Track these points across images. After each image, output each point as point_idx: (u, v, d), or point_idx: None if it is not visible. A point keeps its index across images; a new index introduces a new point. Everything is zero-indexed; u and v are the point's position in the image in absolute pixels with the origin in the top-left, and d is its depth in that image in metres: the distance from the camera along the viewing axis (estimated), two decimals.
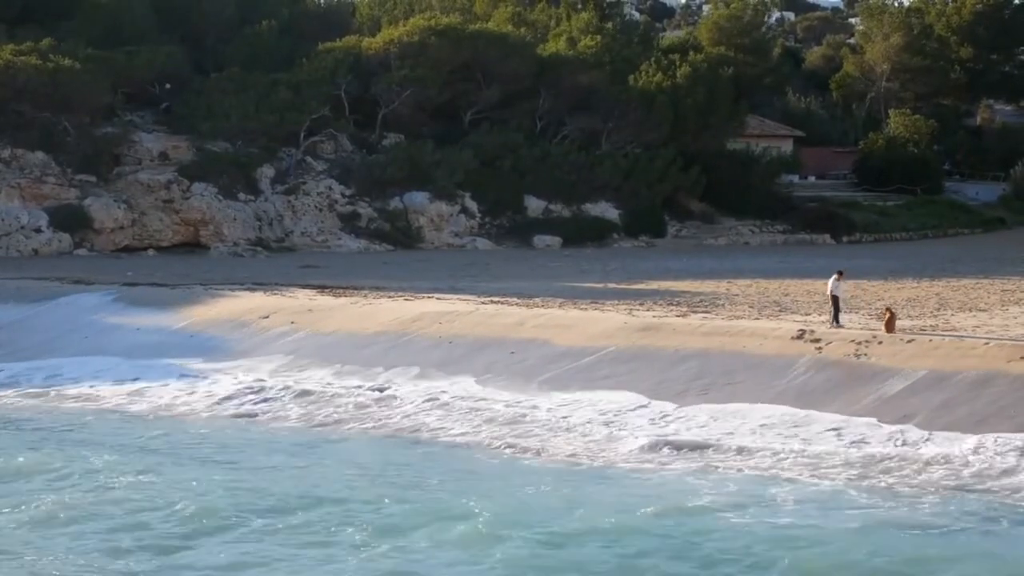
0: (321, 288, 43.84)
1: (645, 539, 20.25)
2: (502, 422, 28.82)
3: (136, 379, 34.54)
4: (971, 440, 25.28)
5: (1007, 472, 23.71)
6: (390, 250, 62.98)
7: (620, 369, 31.57)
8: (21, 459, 25.61)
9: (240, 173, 64.04)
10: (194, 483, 23.52)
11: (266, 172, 64.86)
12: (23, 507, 22.00)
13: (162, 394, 32.93)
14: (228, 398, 32.19)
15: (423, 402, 30.78)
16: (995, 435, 25.33)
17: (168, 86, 67.65)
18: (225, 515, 21.54)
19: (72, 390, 33.71)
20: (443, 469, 25.27)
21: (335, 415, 30.31)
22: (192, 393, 32.83)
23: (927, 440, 25.72)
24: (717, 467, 24.94)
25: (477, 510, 21.43)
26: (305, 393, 32.10)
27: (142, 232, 61.40)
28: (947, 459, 24.60)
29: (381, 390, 32.15)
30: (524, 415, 29.21)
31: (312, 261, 56.25)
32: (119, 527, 20.90)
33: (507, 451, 26.70)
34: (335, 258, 58.60)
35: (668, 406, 29.14)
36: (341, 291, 43.01)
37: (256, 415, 30.74)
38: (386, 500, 22.37)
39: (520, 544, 19.98)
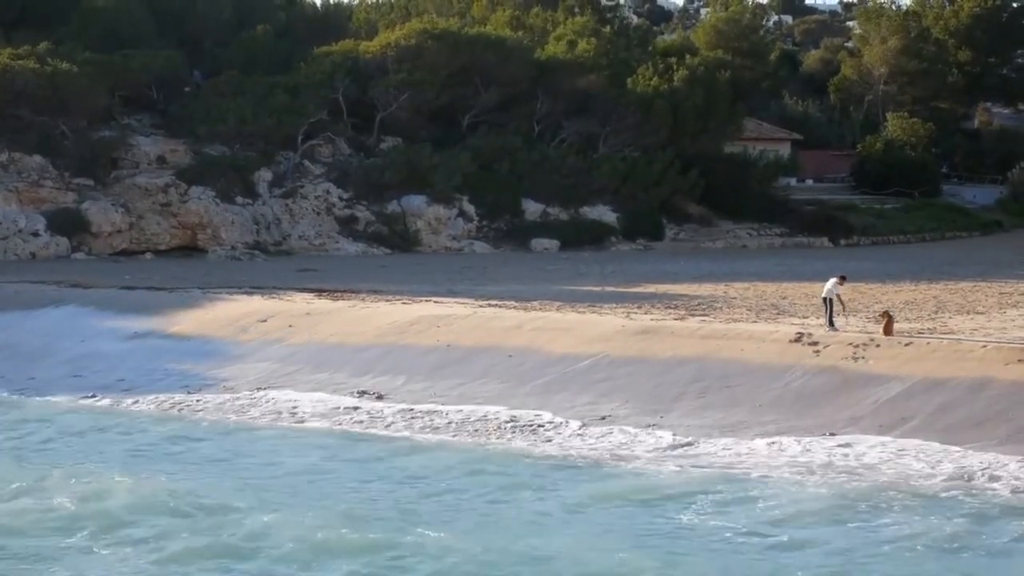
0: (319, 292, 43.77)
1: None
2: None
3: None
4: None
5: None
6: (388, 253, 62.97)
7: (618, 372, 31.54)
8: None
9: (238, 176, 64.04)
10: None
11: (264, 175, 64.86)
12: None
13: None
14: None
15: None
16: None
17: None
18: None
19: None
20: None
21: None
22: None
23: None
24: None
25: None
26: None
27: (140, 236, 61.41)
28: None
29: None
30: None
31: (310, 264, 56.22)
32: None
33: None
34: (333, 261, 58.59)
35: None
36: (339, 295, 42.96)
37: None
38: None
39: None
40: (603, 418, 29.06)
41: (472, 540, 20.05)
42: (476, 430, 28.66)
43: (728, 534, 20.84)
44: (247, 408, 31.54)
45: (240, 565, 19.34)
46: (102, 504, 22.16)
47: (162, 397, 32.94)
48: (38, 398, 33.37)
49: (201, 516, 21.56)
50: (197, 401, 32.41)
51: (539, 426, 28.74)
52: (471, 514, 22.15)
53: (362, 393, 32.39)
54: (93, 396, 33.37)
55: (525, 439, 27.77)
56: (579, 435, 27.90)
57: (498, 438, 27.92)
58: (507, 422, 29.06)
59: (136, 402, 32.66)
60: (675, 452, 26.35)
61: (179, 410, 31.67)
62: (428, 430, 28.87)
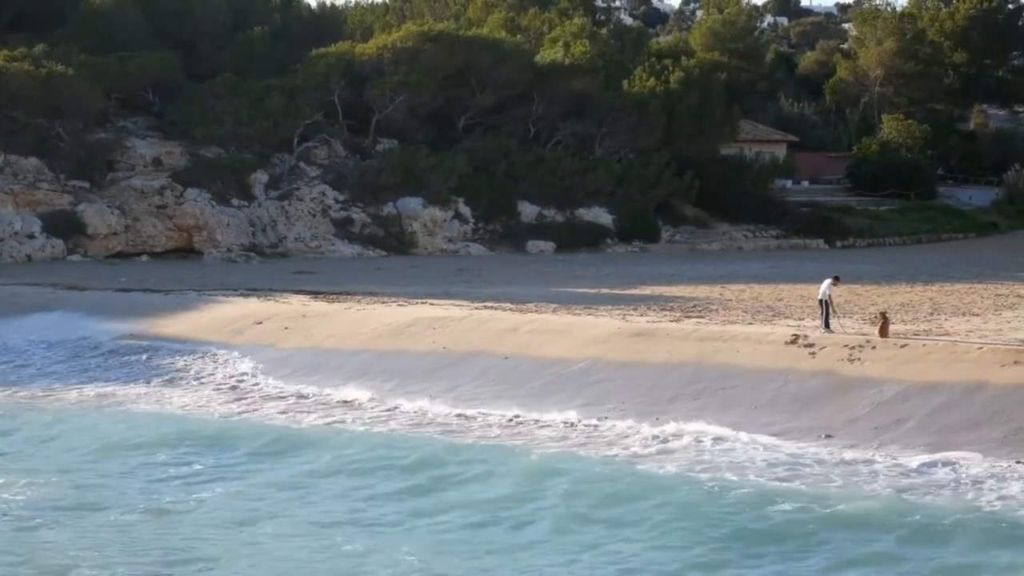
0: (315, 294, 43.80)
1: None
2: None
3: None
4: None
5: None
6: (383, 256, 62.94)
7: (614, 375, 31.52)
8: None
9: (233, 179, 64.05)
10: None
11: (259, 178, 64.84)
12: None
13: None
14: None
15: None
16: None
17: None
18: None
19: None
20: None
21: None
22: None
23: None
24: None
25: None
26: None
27: (135, 238, 61.42)
28: None
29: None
30: None
31: (306, 267, 56.24)
32: None
33: None
34: (329, 264, 58.59)
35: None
36: (335, 297, 42.97)
37: None
38: None
39: None
40: (599, 420, 29.05)
41: None
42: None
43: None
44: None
45: None
46: None
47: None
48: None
49: None
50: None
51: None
52: None
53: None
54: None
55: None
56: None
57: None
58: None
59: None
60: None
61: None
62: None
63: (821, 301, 32.45)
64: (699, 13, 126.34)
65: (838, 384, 29.03)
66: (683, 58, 77.81)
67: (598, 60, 73.39)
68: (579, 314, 37.56)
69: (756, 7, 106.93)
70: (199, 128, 65.04)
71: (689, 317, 36.43)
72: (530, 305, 39.72)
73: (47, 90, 61.75)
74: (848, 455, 25.60)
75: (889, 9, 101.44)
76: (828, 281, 32.55)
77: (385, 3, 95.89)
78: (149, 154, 64.65)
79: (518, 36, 77.16)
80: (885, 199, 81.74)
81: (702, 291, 44.62)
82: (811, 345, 30.90)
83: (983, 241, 75.50)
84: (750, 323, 34.76)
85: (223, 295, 43.88)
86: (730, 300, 41.48)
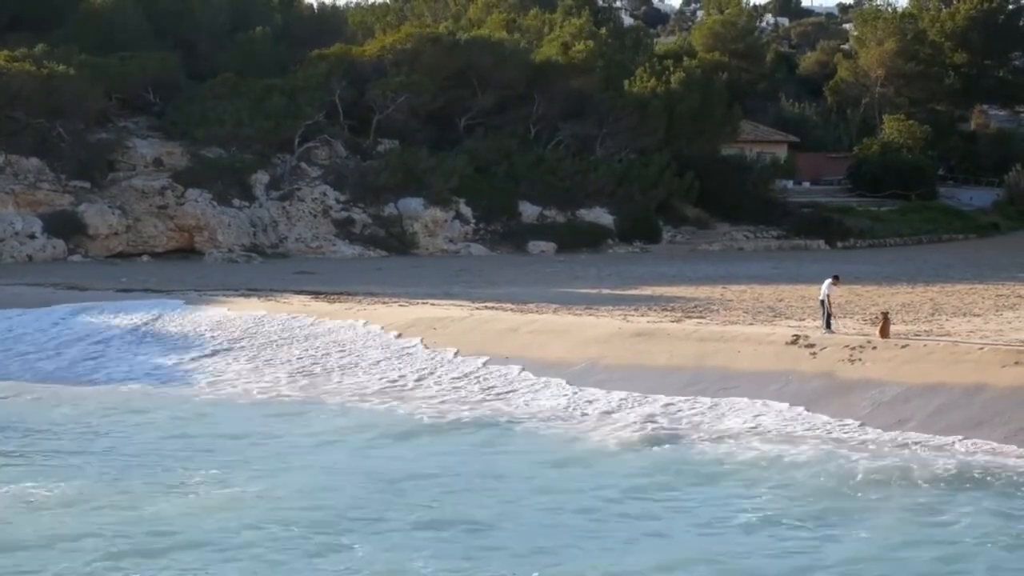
0: (315, 294, 43.82)
1: None
2: None
3: None
4: None
5: None
6: (384, 256, 62.92)
7: (615, 375, 31.56)
8: None
9: (234, 179, 64.01)
10: None
11: (260, 178, 64.82)
12: None
13: None
14: None
15: None
16: None
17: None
18: None
19: None
20: None
21: None
22: None
23: None
24: None
25: None
26: None
27: (136, 238, 61.40)
28: None
29: None
30: None
31: (307, 267, 56.23)
32: None
33: None
34: (329, 264, 58.59)
35: None
36: (335, 297, 43.00)
37: None
38: None
39: None
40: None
41: None
42: None
43: None
44: None
45: None
46: None
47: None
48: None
49: None
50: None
51: None
52: None
53: None
54: None
55: None
56: None
57: None
58: None
59: None
60: None
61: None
62: None
63: (822, 301, 32.48)
64: (700, 13, 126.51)
65: (839, 385, 29.07)
66: (684, 58, 77.80)
67: (598, 60, 73.40)
68: (580, 314, 37.60)
69: (757, 7, 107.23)
70: (200, 128, 65.02)
71: (690, 317, 36.46)
72: (531, 305, 39.75)
73: (48, 90, 61.71)
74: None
75: (890, 9, 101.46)
76: (828, 281, 32.59)
77: (386, 3, 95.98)
78: (150, 154, 64.64)
79: (517, 35, 77.14)
80: (886, 200, 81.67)
81: (703, 291, 44.63)
82: (812, 346, 30.94)
83: (984, 242, 75.45)
84: (751, 323, 34.79)
85: (224, 295, 43.92)
86: (731, 300, 41.51)
